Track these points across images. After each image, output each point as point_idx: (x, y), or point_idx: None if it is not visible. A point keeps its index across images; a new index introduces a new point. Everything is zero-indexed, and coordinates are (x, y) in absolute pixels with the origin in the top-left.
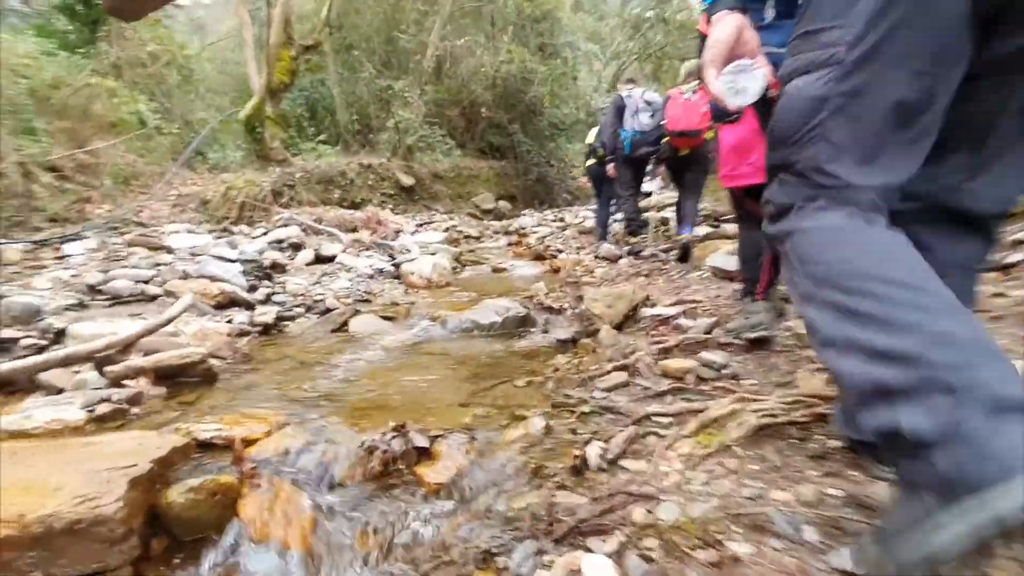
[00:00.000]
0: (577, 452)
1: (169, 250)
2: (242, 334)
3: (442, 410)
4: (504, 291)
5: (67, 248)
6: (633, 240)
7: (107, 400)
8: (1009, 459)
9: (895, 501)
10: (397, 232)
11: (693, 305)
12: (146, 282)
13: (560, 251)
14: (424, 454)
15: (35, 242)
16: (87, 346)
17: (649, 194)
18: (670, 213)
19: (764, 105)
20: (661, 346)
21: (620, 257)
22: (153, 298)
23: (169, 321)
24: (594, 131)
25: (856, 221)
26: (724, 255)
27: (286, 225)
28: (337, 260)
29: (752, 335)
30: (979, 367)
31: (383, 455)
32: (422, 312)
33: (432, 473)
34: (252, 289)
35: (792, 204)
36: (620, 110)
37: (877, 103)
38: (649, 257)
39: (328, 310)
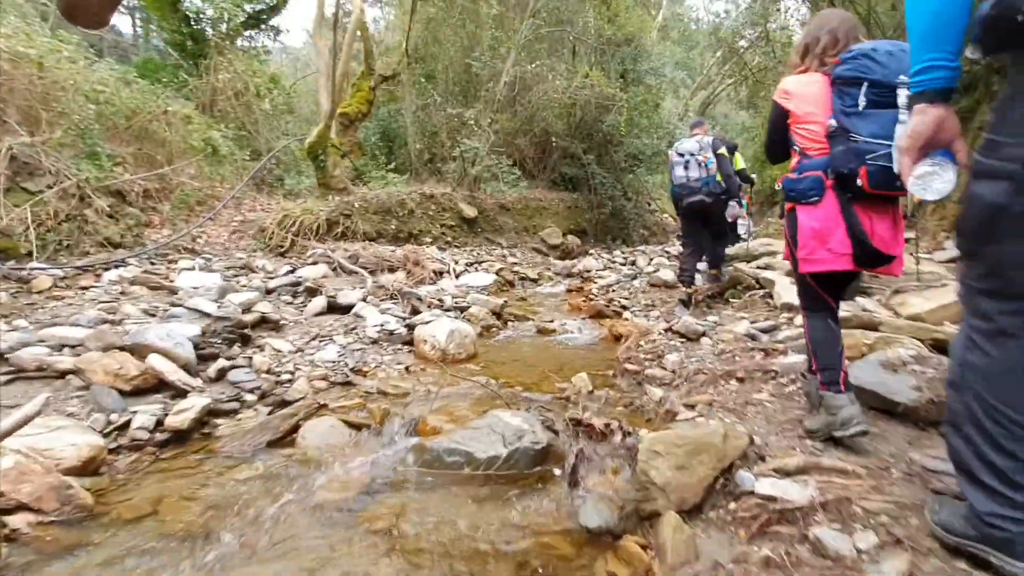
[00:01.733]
0: None
1: (172, 291)
2: (132, 447)
3: None
4: (536, 378)
5: (107, 275)
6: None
7: None
8: None
9: None
10: (439, 274)
11: (840, 476)
12: (73, 347)
13: (625, 307)
14: None
15: (78, 268)
16: None
17: (736, 240)
18: (770, 274)
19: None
20: None
21: (702, 335)
22: (61, 375)
23: None
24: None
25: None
26: (875, 364)
27: (315, 263)
28: (354, 311)
29: (847, 432)
30: None
31: None
32: (407, 415)
33: None
34: (208, 358)
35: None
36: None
37: None
38: (743, 339)
39: (285, 403)
